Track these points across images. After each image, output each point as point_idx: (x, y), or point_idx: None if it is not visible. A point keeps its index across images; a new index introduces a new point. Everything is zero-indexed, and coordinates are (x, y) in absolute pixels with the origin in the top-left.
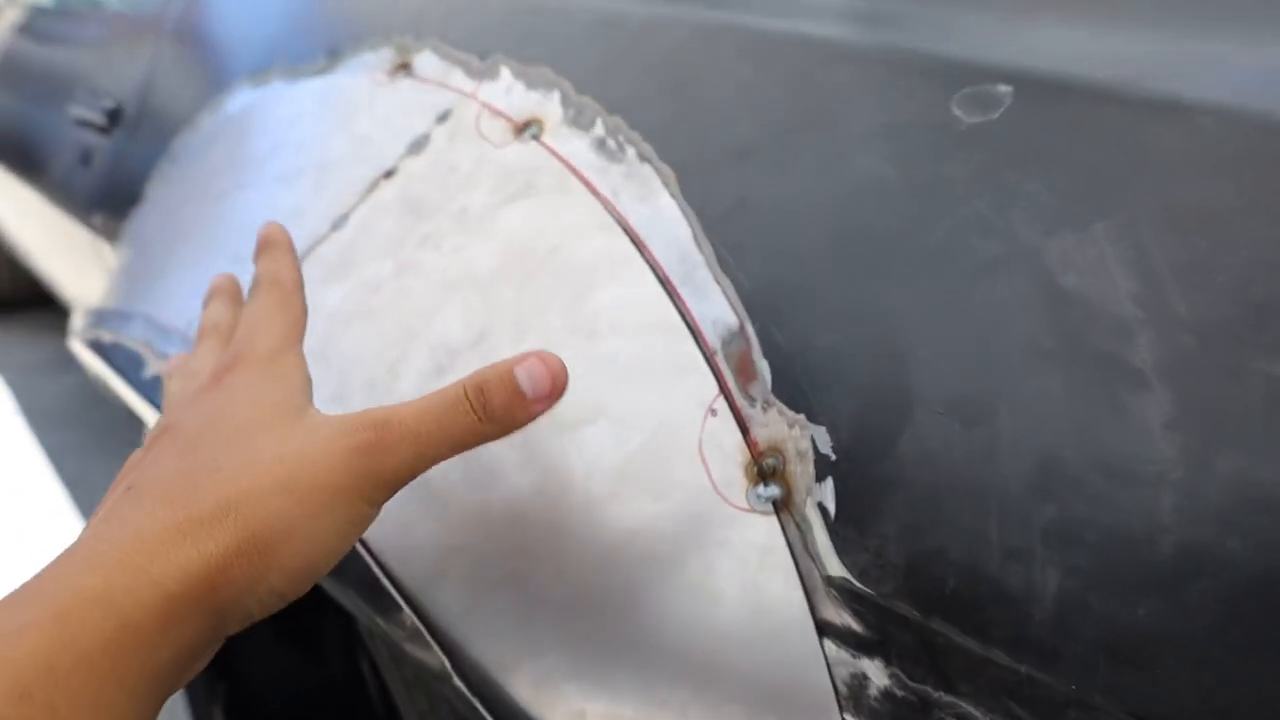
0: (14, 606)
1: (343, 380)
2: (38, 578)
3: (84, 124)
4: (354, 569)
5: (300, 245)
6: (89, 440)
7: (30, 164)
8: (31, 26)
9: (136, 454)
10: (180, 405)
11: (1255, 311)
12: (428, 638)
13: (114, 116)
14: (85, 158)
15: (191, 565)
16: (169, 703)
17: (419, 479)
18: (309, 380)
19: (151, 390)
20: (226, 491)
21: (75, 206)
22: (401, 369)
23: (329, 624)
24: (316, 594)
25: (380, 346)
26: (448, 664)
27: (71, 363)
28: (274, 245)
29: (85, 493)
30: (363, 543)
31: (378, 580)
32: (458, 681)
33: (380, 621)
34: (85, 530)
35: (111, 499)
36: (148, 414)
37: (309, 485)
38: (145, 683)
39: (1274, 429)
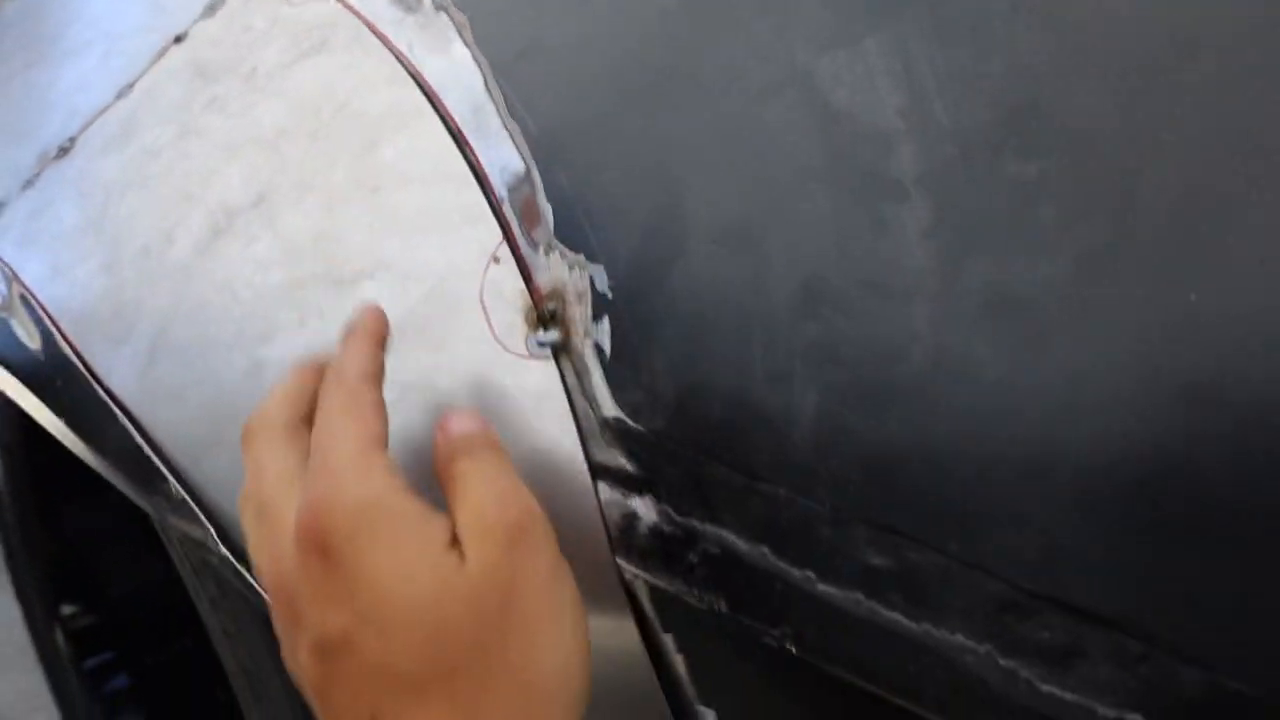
0: None
1: (116, 249)
2: None
3: None
4: (115, 439)
5: (82, 118)
6: None
7: None
8: None
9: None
10: (314, 601)
11: (1010, 115)
12: (193, 507)
13: None
14: None
15: None
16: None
17: (190, 348)
18: (424, 511)
19: None
20: None
21: None
22: (177, 234)
23: None
24: None
25: (157, 213)
26: (213, 532)
27: None
28: (352, 333)
29: None
30: (126, 412)
31: (140, 450)
32: (222, 549)
33: (143, 494)
34: None
35: None
36: None
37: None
38: None
39: (1021, 231)
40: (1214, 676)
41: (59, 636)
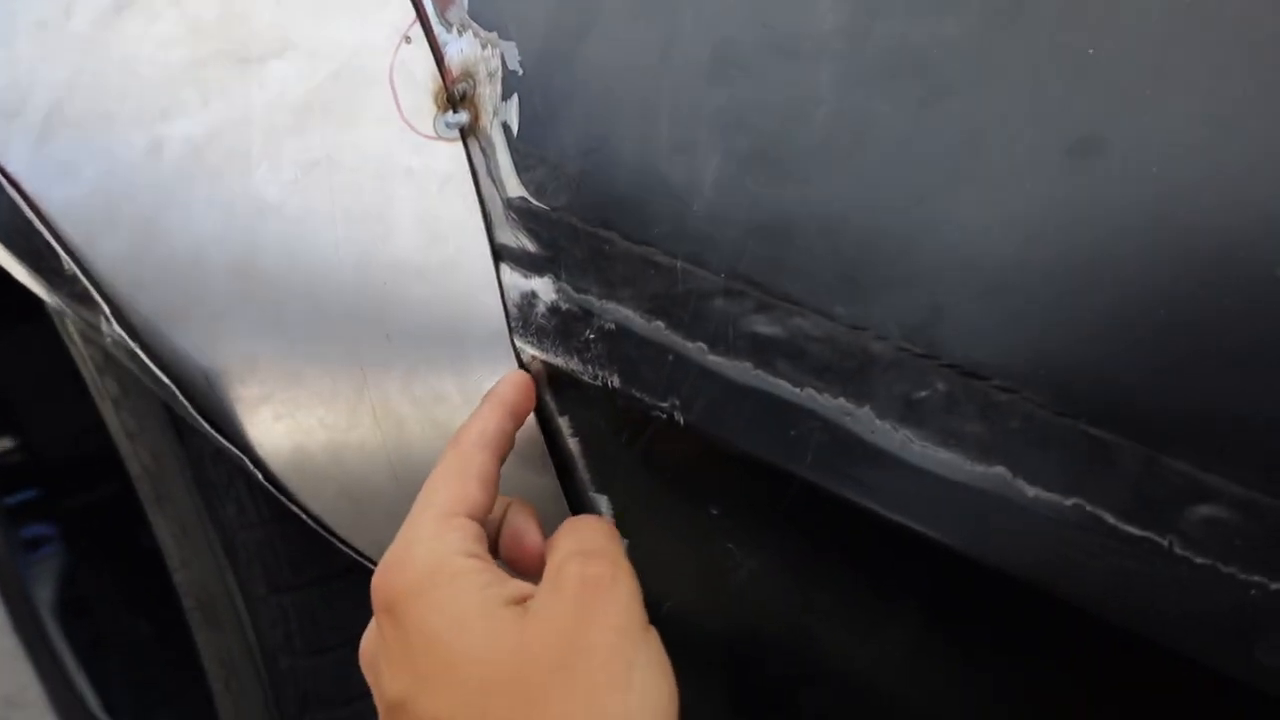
0: None
1: (10, 20)
2: None
3: None
4: (9, 221)
5: None
6: None
7: None
8: None
9: None
10: (385, 663)
11: None
12: (85, 284)
13: None
14: None
15: None
16: None
17: (86, 123)
18: (491, 572)
19: None
20: None
21: None
22: (76, 7)
23: None
24: None
25: None
26: (106, 309)
27: None
28: (487, 397)
29: None
30: (15, 186)
31: (30, 224)
32: (117, 327)
33: (34, 274)
34: None
35: None
36: None
37: None
38: None
39: None
40: (1079, 425)
41: None
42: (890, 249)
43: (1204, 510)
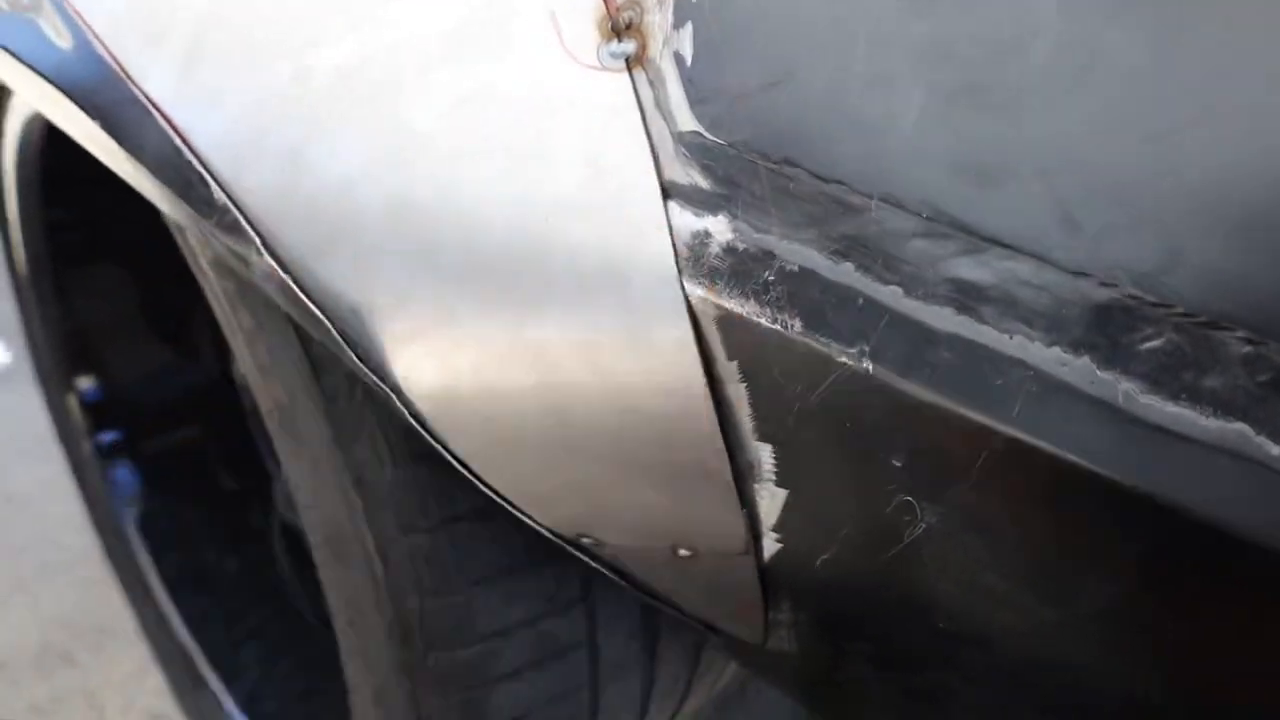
0: None
1: None
2: None
3: None
4: (153, 143)
5: None
6: None
7: None
8: None
9: None
10: None
11: None
12: (236, 214)
13: None
14: None
15: None
16: None
17: (231, 52)
18: None
19: None
20: None
21: None
22: None
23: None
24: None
25: None
26: (258, 241)
27: None
28: None
29: None
30: (163, 115)
31: (179, 153)
32: (268, 258)
33: (181, 203)
34: None
35: None
36: None
37: None
38: None
39: None
40: None
41: (73, 404)
42: (1121, 190)
43: None
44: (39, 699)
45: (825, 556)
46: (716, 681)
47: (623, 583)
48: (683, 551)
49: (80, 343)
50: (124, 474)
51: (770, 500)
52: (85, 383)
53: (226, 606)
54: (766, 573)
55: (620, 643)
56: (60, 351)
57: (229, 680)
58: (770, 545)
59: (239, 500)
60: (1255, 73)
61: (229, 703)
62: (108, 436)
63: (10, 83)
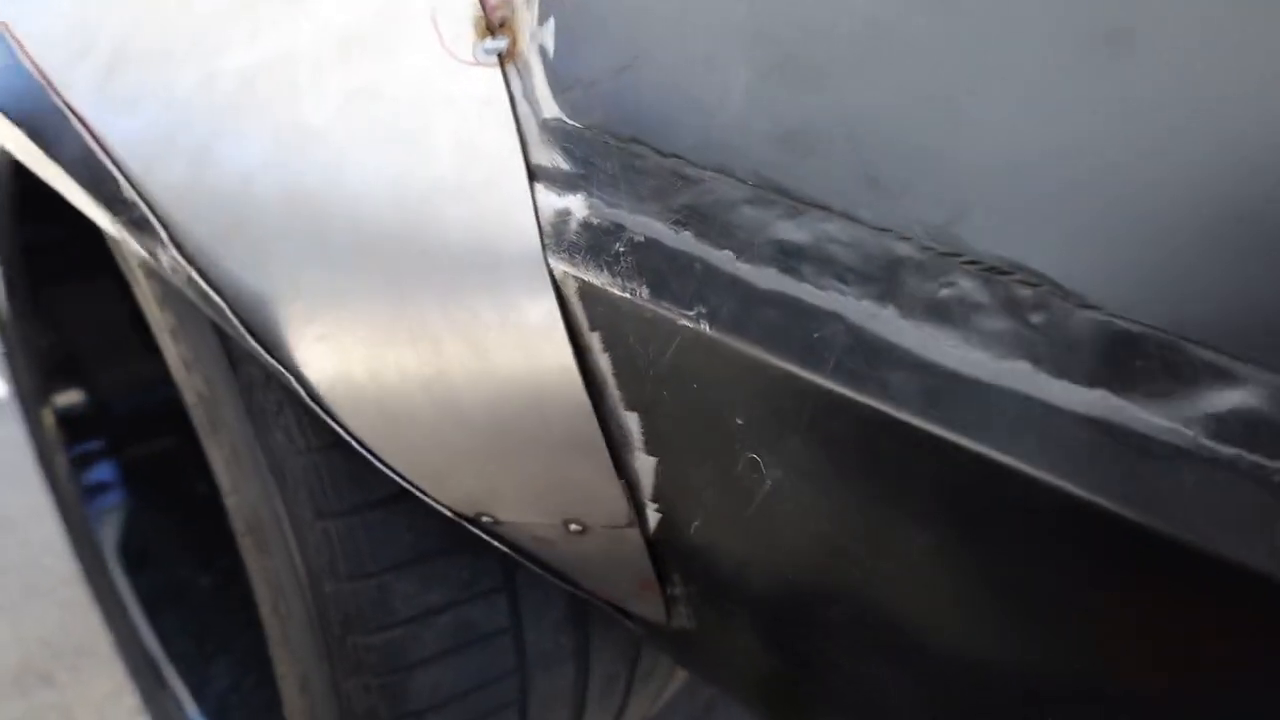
0: None
1: None
2: None
3: None
4: (71, 147)
5: None
6: None
7: None
8: None
9: None
10: None
11: None
12: (144, 210)
13: None
14: None
15: None
16: None
17: (147, 60)
18: None
19: None
20: None
21: None
22: None
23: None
24: None
25: None
26: (163, 233)
27: None
28: None
29: None
30: (86, 127)
31: (93, 154)
32: (173, 251)
33: (101, 206)
34: None
35: None
36: None
37: None
38: None
39: None
40: (1103, 316)
41: (49, 418)
42: (914, 150)
43: (1231, 397)
44: (15, 716)
45: (697, 523)
46: (662, 688)
47: (525, 561)
48: (573, 527)
49: (61, 358)
50: (104, 475)
51: (645, 469)
52: (65, 397)
53: (200, 620)
54: (654, 545)
55: (548, 632)
56: (38, 368)
57: (198, 692)
58: (652, 516)
59: (214, 508)
60: (1034, 33)
61: (193, 711)
62: (89, 445)
63: None
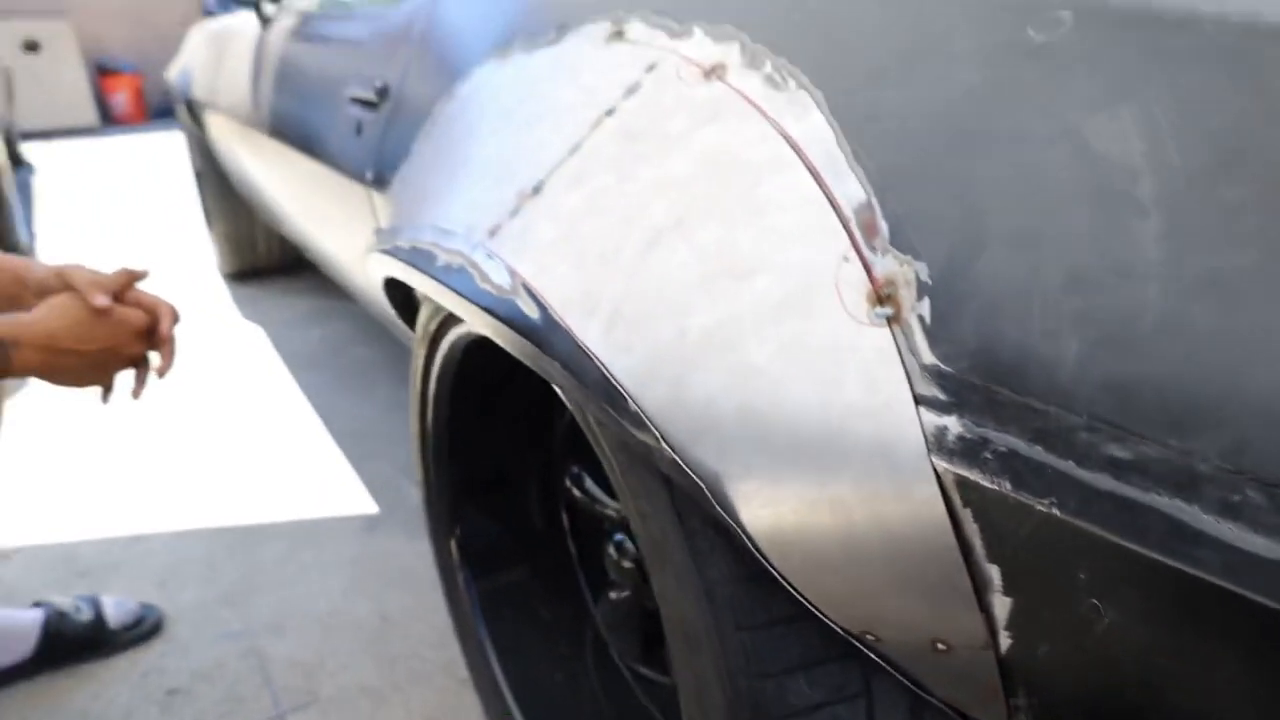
0: None
1: (581, 255)
2: None
3: (358, 102)
4: (590, 375)
5: (546, 168)
6: (333, 380)
7: (313, 140)
8: (301, 31)
9: None
10: None
11: (1223, 155)
12: (646, 420)
13: (383, 94)
14: (359, 129)
15: None
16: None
17: (636, 320)
18: None
19: (445, 275)
20: None
21: (351, 168)
22: (623, 245)
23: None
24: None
25: (607, 232)
26: (658, 435)
27: (318, 318)
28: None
29: (332, 417)
30: (598, 362)
31: (608, 380)
32: (665, 447)
33: (615, 414)
34: None
35: None
36: (444, 295)
37: None
38: None
39: (1229, 233)
40: None
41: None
42: (1204, 404)
43: None
44: None
45: (1044, 648)
46: None
47: (894, 672)
48: (939, 645)
49: (462, 494)
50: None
51: (1002, 606)
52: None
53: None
54: (1003, 663)
55: None
56: (448, 503)
57: None
58: (1004, 641)
59: (553, 629)
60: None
61: None
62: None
63: (461, 313)
